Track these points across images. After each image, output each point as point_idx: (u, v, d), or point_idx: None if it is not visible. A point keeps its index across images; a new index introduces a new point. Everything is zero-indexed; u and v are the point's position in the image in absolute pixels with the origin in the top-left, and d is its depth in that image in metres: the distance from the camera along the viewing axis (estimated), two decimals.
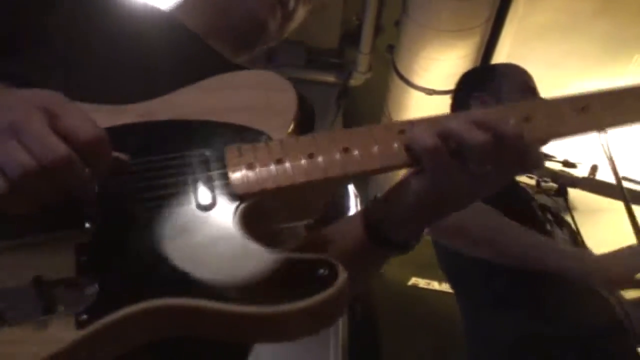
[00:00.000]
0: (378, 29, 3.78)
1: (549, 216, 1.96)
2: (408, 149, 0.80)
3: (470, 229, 1.70)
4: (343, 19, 3.88)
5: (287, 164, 0.80)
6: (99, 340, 0.67)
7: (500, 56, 3.45)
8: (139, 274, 0.72)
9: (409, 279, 4.74)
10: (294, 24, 1.26)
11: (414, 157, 0.80)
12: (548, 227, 1.89)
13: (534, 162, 0.81)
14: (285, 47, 3.94)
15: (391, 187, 0.87)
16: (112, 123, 0.82)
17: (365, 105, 4.18)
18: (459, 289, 2.02)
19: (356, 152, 0.81)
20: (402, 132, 0.82)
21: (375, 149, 0.81)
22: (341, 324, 3.87)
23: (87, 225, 0.73)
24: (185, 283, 0.71)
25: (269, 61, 3.93)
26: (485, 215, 1.71)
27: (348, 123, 4.07)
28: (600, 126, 0.85)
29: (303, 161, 0.80)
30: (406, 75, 3.51)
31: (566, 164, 1.99)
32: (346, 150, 0.81)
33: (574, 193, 2.05)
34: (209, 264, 0.72)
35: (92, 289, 0.69)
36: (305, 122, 0.91)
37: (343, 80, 4.04)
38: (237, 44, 1.20)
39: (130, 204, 0.77)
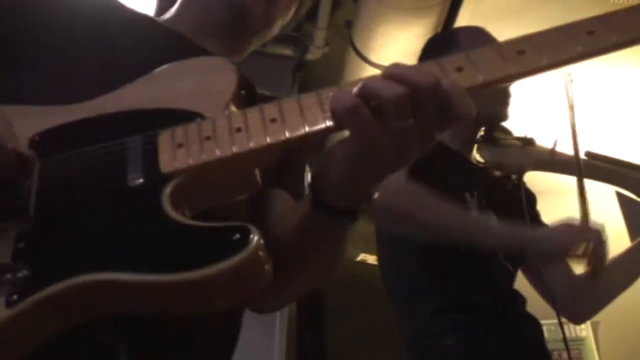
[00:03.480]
0: (336, 4, 3.76)
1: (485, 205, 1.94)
2: (332, 112, 0.80)
3: (398, 205, 1.68)
4: None
5: (215, 141, 0.81)
6: (30, 318, 0.71)
7: None
8: (66, 254, 0.76)
9: (357, 255, 4.78)
10: (282, 12, 1.25)
11: (337, 120, 0.79)
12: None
13: (460, 112, 0.77)
14: None
15: (324, 154, 0.87)
16: (63, 121, 0.89)
17: (321, 80, 4.16)
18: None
19: (283, 121, 0.81)
20: (321, 104, 0.82)
21: (302, 116, 0.81)
22: None
23: (24, 214, 0.78)
24: (108, 258, 0.74)
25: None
26: (414, 193, 1.71)
27: None
28: (538, 69, 0.83)
29: (230, 136, 0.81)
30: (363, 51, 3.51)
31: (523, 140, 1.98)
32: (273, 120, 0.81)
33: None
34: (132, 239, 0.76)
35: (24, 272, 0.73)
36: (247, 104, 0.90)
37: (299, 54, 4.02)
38: (229, 38, 1.19)
39: (67, 191, 0.82)
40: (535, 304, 2.00)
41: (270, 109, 0.83)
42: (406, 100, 0.76)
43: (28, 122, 0.88)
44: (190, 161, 0.80)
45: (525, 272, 2.03)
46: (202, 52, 1.11)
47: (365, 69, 3.55)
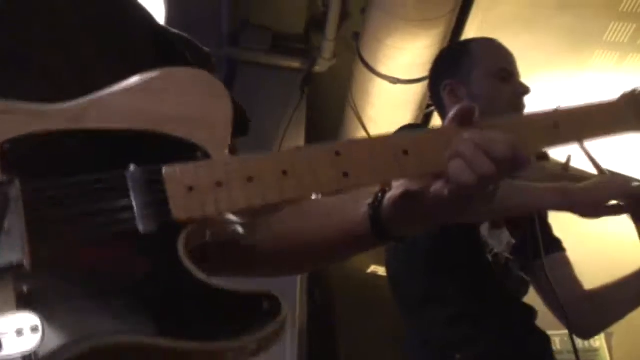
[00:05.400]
0: (344, 16, 3.77)
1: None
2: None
3: None
4: (309, 4, 3.86)
5: (227, 188, 0.79)
6: None
7: None
8: (82, 309, 0.69)
9: (368, 267, 4.76)
10: None
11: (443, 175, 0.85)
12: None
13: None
14: (250, 32, 3.91)
15: (405, 190, 0.90)
16: (36, 127, 0.76)
17: (329, 92, 4.17)
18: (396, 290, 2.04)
19: (294, 176, 0.82)
20: (338, 154, 0.84)
21: (313, 173, 0.83)
22: (299, 307, 3.88)
23: (24, 256, 0.68)
24: (127, 319, 0.69)
25: (234, 45, 3.90)
26: None
27: (312, 110, 4.06)
28: (569, 140, 0.96)
29: (243, 185, 0.79)
30: (371, 63, 3.50)
31: (537, 154, 1.96)
32: (285, 173, 0.81)
33: None
34: (152, 298, 0.71)
35: (35, 325, 0.65)
36: (239, 129, 0.91)
37: (307, 67, 4.02)
38: None
39: (71, 230, 0.72)
40: (548, 314, 1.98)
41: (281, 159, 0.83)
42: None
43: None
44: (205, 210, 0.78)
45: (535, 286, 2.01)
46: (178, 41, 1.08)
47: (374, 80, 3.55)
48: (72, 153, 0.78)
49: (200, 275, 0.73)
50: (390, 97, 3.58)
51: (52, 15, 0.95)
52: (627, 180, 1.74)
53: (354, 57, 3.66)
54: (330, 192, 0.84)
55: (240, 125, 0.94)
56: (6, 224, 0.69)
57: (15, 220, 0.69)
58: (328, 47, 3.89)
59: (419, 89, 3.50)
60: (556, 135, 0.95)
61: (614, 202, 1.71)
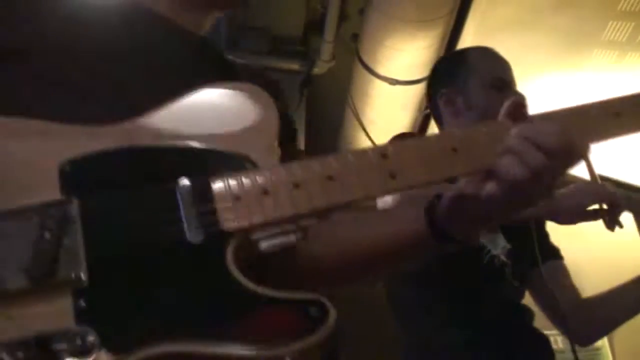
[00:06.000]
0: (342, 17, 3.77)
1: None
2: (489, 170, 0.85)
3: None
4: (308, 6, 3.86)
5: (274, 196, 0.80)
6: None
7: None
8: (137, 319, 0.72)
9: None
10: None
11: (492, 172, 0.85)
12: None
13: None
14: (249, 34, 3.90)
15: (458, 190, 0.91)
16: (90, 148, 0.80)
17: (328, 94, 4.17)
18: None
19: (340, 181, 0.82)
20: (384, 156, 0.84)
21: (359, 176, 0.83)
22: None
23: (82, 271, 0.72)
24: (182, 327, 0.71)
25: (233, 47, 3.89)
26: None
27: (311, 111, 4.06)
28: (632, 130, 0.93)
29: (289, 192, 0.80)
30: (370, 65, 3.51)
31: None
32: (331, 178, 0.82)
33: None
34: (205, 306, 0.74)
35: (92, 338, 0.68)
36: (286, 137, 0.93)
37: (306, 69, 4.02)
38: (203, 5, 1.16)
39: (125, 245, 0.75)
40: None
41: (325, 164, 0.83)
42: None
43: (53, 144, 0.81)
44: (253, 220, 0.79)
45: (532, 293, 2.01)
46: (214, 56, 1.10)
47: (373, 82, 3.55)
48: (124, 171, 0.81)
49: (249, 285, 0.74)
50: (390, 98, 3.58)
51: (100, 43, 0.99)
52: (601, 186, 1.75)
53: (353, 58, 3.67)
54: (378, 195, 0.85)
55: (289, 133, 0.98)
56: (65, 241, 0.73)
57: (74, 238, 0.73)
58: (327, 48, 3.89)
59: (418, 90, 3.50)
60: (618, 125, 0.93)
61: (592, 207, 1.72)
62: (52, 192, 0.76)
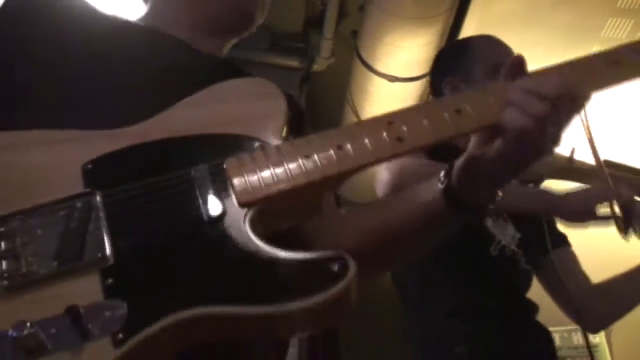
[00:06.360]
0: (342, 14, 3.77)
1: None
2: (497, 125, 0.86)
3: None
4: (307, 3, 3.86)
5: (286, 168, 0.83)
6: (136, 355, 0.71)
7: None
8: (163, 289, 0.76)
9: None
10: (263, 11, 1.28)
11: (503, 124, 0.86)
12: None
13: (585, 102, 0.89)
14: None
15: (468, 154, 0.93)
16: (109, 149, 0.88)
17: (328, 91, 4.17)
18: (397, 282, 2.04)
19: (349, 148, 0.85)
20: (390, 123, 0.87)
21: (367, 142, 0.85)
22: None
23: (107, 251, 0.78)
24: (208, 292, 0.75)
25: (233, 45, 3.89)
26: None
27: (311, 108, 4.06)
28: (633, 77, 0.94)
29: (300, 163, 0.84)
30: (369, 62, 3.51)
31: None
32: (340, 147, 0.85)
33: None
34: (228, 271, 0.78)
35: (122, 309, 0.73)
36: (296, 123, 0.97)
37: (306, 66, 4.02)
38: (222, 33, 1.22)
39: (146, 225, 0.81)
40: (548, 310, 1.99)
41: (334, 134, 0.87)
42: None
43: (76, 149, 0.88)
44: (266, 191, 0.82)
45: (542, 281, 2.02)
46: (233, 70, 1.13)
47: (372, 79, 3.55)
48: (142, 163, 0.88)
49: (269, 249, 0.77)
50: (389, 95, 3.58)
51: (124, 62, 1.06)
52: (614, 189, 1.75)
53: (353, 55, 3.67)
54: (388, 157, 0.86)
55: (297, 117, 1.02)
56: (90, 228, 0.80)
57: (98, 224, 0.80)
58: (326, 45, 3.89)
59: (418, 87, 3.50)
60: (618, 73, 0.95)
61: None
62: (77, 190, 0.83)
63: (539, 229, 1.88)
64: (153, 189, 0.83)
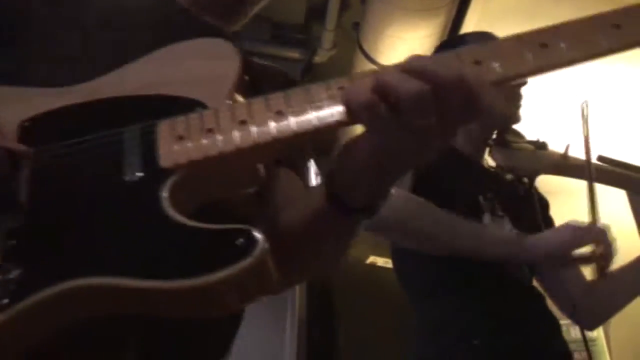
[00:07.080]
0: (344, 6, 3.76)
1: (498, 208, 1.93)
2: (347, 107, 0.73)
3: (406, 222, 1.68)
4: None
5: (217, 134, 0.77)
6: (22, 321, 0.68)
7: None
8: (61, 255, 0.72)
9: (367, 257, 4.77)
10: None
11: (353, 115, 0.73)
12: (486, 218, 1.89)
13: (483, 106, 0.71)
14: (250, 22, 3.90)
15: (341, 149, 0.82)
16: (52, 106, 0.85)
17: None
18: (403, 278, 2.03)
19: (290, 115, 0.76)
20: (341, 89, 0.76)
21: (310, 109, 0.76)
22: (298, 298, 3.89)
23: (17, 213, 0.75)
24: (105, 260, 0.71)
25: (234, 35, 3.88)
26: (421, 208, 1.70)
27: None
28: (563, 63, 0.79)
29: (233, 129, 0.77)
30: (371, 54, 3.50)
31: (536, 144, 1.97)
32: (279, 113, 0.76)
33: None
34: (130, 240, 0.73)
35: (15, 274, 0.70)
36: (254, 89, 0.88)
37: (307, 57, 4.02)
38: (225, 15, 1.20)
39: (61, 185, 0.78)
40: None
41: (277, 100, 0.78)
42: (428, 97, 0.69)
43: (17, 106, 0.85)
44: (191, 155, 0.76)
45: (538, 279, 2.02)
46: (206, 28, 1.09)
47: None
48: (83, 121, 0.84)
49: (177, 217, 0.72)
50: None
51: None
52: (596, 228, 1.73)
53: (354, 47, 3.66)
54: (331, 127, 0.75)
55: (256, 79, 0.95)
56: (12, 186, 0.76)
57: (19, 183, 0.77)
58: (328, 37, 3.89)
59: None
60: (542, 58, 0.78)
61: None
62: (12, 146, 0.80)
63: (535, 225, 1.87)
64: (81, 147, 0.79)
